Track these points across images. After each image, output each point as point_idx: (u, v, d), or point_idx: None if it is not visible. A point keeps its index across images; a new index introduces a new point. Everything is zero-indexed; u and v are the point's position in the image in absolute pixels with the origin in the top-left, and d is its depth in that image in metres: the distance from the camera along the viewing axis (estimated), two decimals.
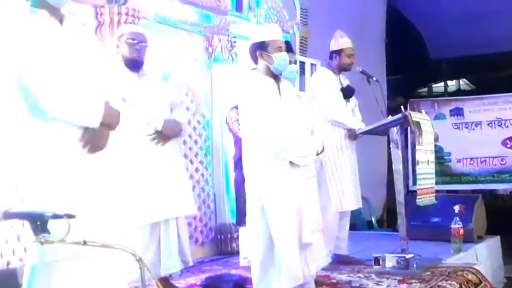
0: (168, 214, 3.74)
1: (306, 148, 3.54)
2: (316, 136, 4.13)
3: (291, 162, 3.44)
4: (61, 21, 2.57)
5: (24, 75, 2.39)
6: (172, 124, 3.80)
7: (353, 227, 4.99)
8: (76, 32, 2.64)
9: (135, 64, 3.80)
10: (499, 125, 7.96)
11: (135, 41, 3.78)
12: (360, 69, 4.91)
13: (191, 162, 5.20)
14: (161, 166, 3.73)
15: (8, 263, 3.64)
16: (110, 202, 3.76)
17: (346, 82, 4.88)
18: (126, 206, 3.63)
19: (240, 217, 4.35)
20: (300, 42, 6.77)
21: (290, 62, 4.03)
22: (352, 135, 4.72)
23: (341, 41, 4.85)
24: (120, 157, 3.67)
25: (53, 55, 2.46)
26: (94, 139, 2.55)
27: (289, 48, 4.26)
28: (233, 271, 4.51)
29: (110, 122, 2.60)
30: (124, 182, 3.65)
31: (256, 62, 3.57)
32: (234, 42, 5.55)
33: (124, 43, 3.79)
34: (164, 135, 3.75)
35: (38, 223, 1.89)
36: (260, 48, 3.51)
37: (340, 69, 4.85)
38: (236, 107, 4.08)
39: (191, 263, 4.04)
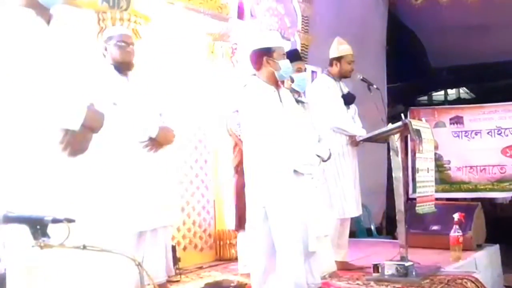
0: (157, 223, 3.68)
1: (309, 156, 3.54)
2: (324, 143, 4.15)
3: (295, 170, 3.44)
4: (48, 21, 2.51)
5: (5, 73, 2.31)
6: (166, 131, 3.75)
7: (352, 234, 5.00)
8: (63, 32, 2.59)
9: (126, 67, 3.74)
10: (499, 134, 7.98)
11: (126, 44, 3.73)
12: (361, 77, 4.92)
13: (191, 168, 5.20)
14: (152, 173, 3.67)
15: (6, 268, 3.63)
16: (97, 208, 3.74)
17: (346, 89, 4.90)
18: (115, 213, 3.59)
19: (240, 222, 4.34)
20: (301, 50, 6.79)
21: (301, 70, 4.09)
22: (354, 142, 4.73)
23: (341, 48, 4.87)
24: (109, 162, 3.63)
25: (37, 55, 2.39)
26: (75, 142, 2.44)
27: (298, 56, 4.31)
28: (232, 277, 4.50)
29: (92, 125, 2.49)
30: (113, 189, 3.60)
31: (258, 68, 3.57)
32: (235, 48, 5.56)
33: (114, 46, 3.72)
34: (158, 142, 3.69)
35: (38, 227, 1.88)
36: (266, 54, 3.51)
37: (341, 76, 4.87)
38: (236, 111, 4.10)
39: (173, 273, 4.01)
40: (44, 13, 2.50)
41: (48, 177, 2.42)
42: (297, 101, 4.11)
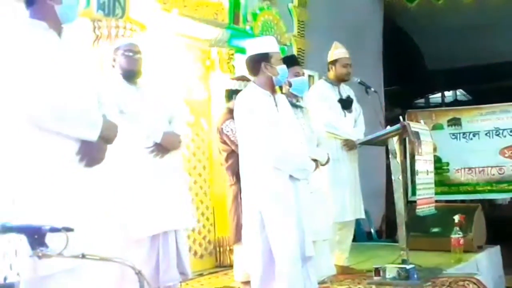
0: (167, 226, 3.71)
1: (304, 161, 3.53)
2: (322, 147, 4.14)
3: (290, 176, 3.43)
4: (59, 34, 2.56)
5: (22, 87, 2.37)
6: (171, 136, 3.79)
7: (352, 238, 4.97)
8: (74, 45, 2.64)
9: (134, 76, 3.80)
10: (497, 135, 7.96)
11: (133, 53, 3.79)
12: (358, 80, 4.92)
13: (190, 174, 5.18)
14: (160, 178, 3.70)
15: (5, 278, 3.61)
16: (109, 215, 3.75)
17: (347, 93, 4.89)
18: (126, 219, 3.62)
19: (236, 234, 4.31)
20: (298, 54, 6.78)
21: (298, 74, 4.10)
22: (347, 145, 4.71)
23: (335, 51, 4.89)
24: (119, 169, 3.67)
25: (51, 68, 2.44)
26: (92, 153, 2.53)
27: (295, 61, 4.32)
28: (233, 284, 4.47)
29: (108, 135, 2.58)
30: (124, 194, 3.65)
31: (256, 74, 3.57)
32: (232, 54, 5.56)
33: (122, 56, 3.78)
34: (163, 147, 3.73)
35: (36, 236, 1.87)
36: (264, 60, 3.51)
37: (338, 80, 4.87)
38: (232, 118, 4.09)
39: (190, 276, 4.01)
40: (56, 26, 2.54)
41: (59, 186, 2.44)
42: (296, 106, 4.11)
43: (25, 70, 2.38)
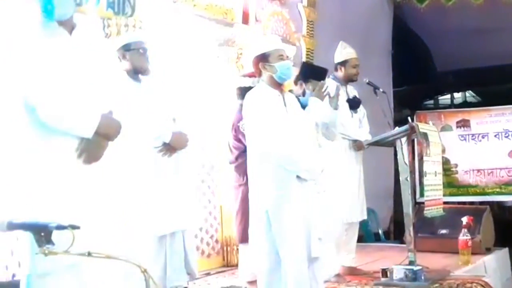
0: (175, 227, 3.71)
1: (312, 161, 3.52)
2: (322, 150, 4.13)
3: (298, 176, 3.42)
4: (70, 31, 2.57)
5: (29, 86, 2.38)
6: (179, 136, 3.79)
7: (360, 239, 4.96)
8: (84, 41, 2.64)
9: (142, 73, 3.77)
10: (506, 137, 7.92)
11: (145, 51, 3.77)
12: (367, 80, 4.90)
13: (198, 173, 5.18)
14: (167, 178, 3.70)
15: (13, 276, 3.62)
16: (115, 214, 3.75)
17: (353, 93, 4.87)
18: (134, 218, 3.62)
19: (243, 234, 4.30)
20: (306, 54, 6.78)
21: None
22: (357, 146, 4.70)
23: (345, 52, 4.85)
24: (125, 168, 3.66)
25: (59, 66, 2.45)
26: (89, 150, 2.52)
27: (323, 76, 4.26)
28: (240, 283, 4.47)
29: (107, 132, 2.56)
30: (132, 194, 3.64)
31: (259, 75, 3.58)
32: (241, 53, 5.56)
33: (135, 52, 3.74)
34: (172, 147, 3.73)
35: (42, 234, 1.87)
36: (262, 60, 3.51)
37: (347, 80, 4.84)
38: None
39: (196, 276, 4.00)
40: (67, 23, 2.54)
41: (62, 184, 2.44)
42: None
43: (33, 72, 2.38)
